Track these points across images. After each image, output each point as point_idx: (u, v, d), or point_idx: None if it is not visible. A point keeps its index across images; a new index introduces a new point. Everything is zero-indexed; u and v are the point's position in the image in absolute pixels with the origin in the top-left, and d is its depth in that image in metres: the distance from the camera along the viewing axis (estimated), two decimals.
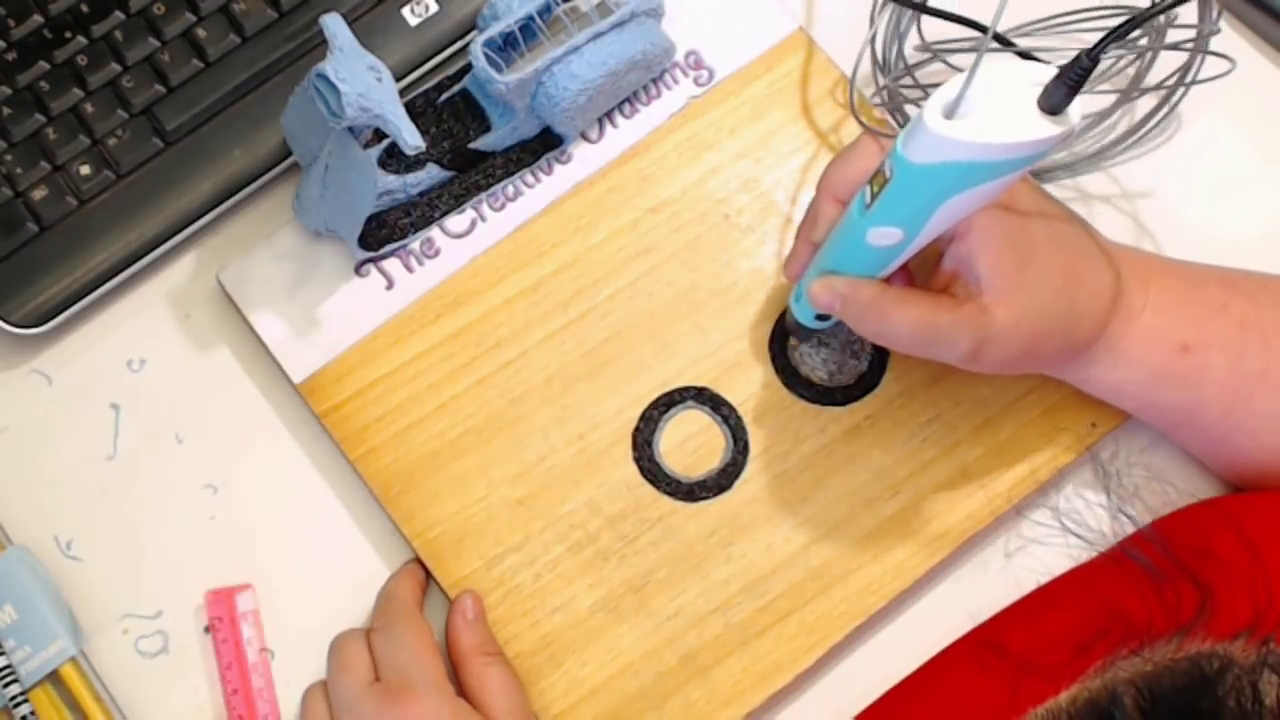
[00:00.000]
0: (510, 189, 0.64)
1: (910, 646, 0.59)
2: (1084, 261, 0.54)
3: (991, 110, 0.45)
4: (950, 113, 0.45)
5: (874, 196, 0.49)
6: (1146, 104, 0.64)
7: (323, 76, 0.54)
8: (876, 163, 0.51)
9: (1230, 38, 0.67)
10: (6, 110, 0.63)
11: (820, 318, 0.58)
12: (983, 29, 0.58)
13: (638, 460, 0.60)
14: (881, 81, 0.63)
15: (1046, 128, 0.44)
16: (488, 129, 0.63)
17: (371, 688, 0.55)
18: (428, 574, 0.60)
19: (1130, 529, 0.57)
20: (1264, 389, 0.55)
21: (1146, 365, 0.56)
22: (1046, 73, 0.44)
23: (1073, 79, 0.43)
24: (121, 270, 0.63)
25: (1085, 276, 0.54)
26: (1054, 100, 0.44)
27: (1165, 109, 0.63)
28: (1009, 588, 0.60)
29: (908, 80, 0.64)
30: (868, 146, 0.55)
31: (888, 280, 0.54)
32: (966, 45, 0.63)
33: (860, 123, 0.62)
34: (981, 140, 0.44)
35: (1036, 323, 0.53)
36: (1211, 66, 0.60)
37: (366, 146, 0.60)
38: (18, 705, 0.57)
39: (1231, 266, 0.58)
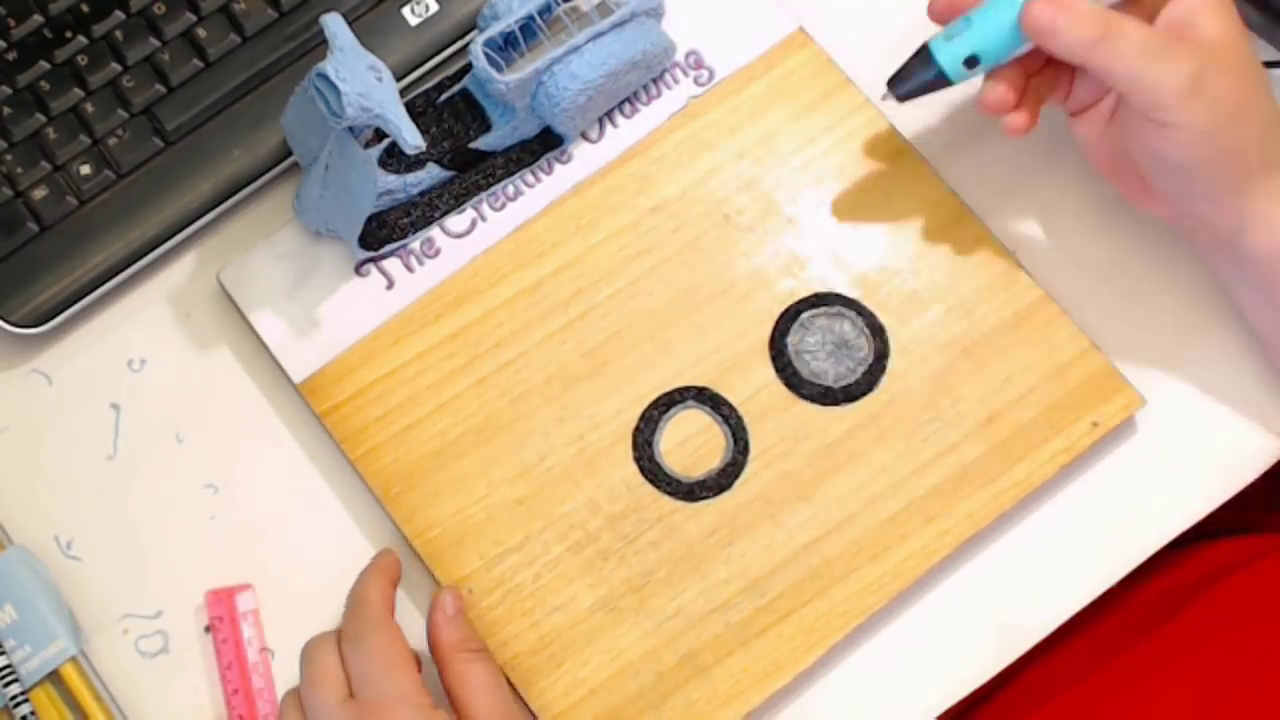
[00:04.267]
0: (510, 189, 0.64)
1: (910, 647, 0.59)
2: None
3: None
4: None
5: None
6: None
7: (323, 76, 0.54)
8: None
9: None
10: (6, 110, 0.63)
11: (969, 64, 0.55)
12: None
13: (638, 460, 0.60)
14: None
15: None
16: (488, 129, 0.63)
17: (345, 705, 0.53)
18: (428, 573, 0.60)
19: None
20: None
21: None
22: None
23: None
24: (121, 270, 0.63)
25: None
26: None
27: None
28: (1010, 588, 0.60)
29: None
30: None
31: None
32: None
33: None
34: None
35: (1254, 82, 0.53)
36: None
37: (366, 146, 0.60)
38: (18, 705, 0.57)
39: None
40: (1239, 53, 0.53)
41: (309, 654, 0.56)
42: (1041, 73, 0.57)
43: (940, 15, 0.56)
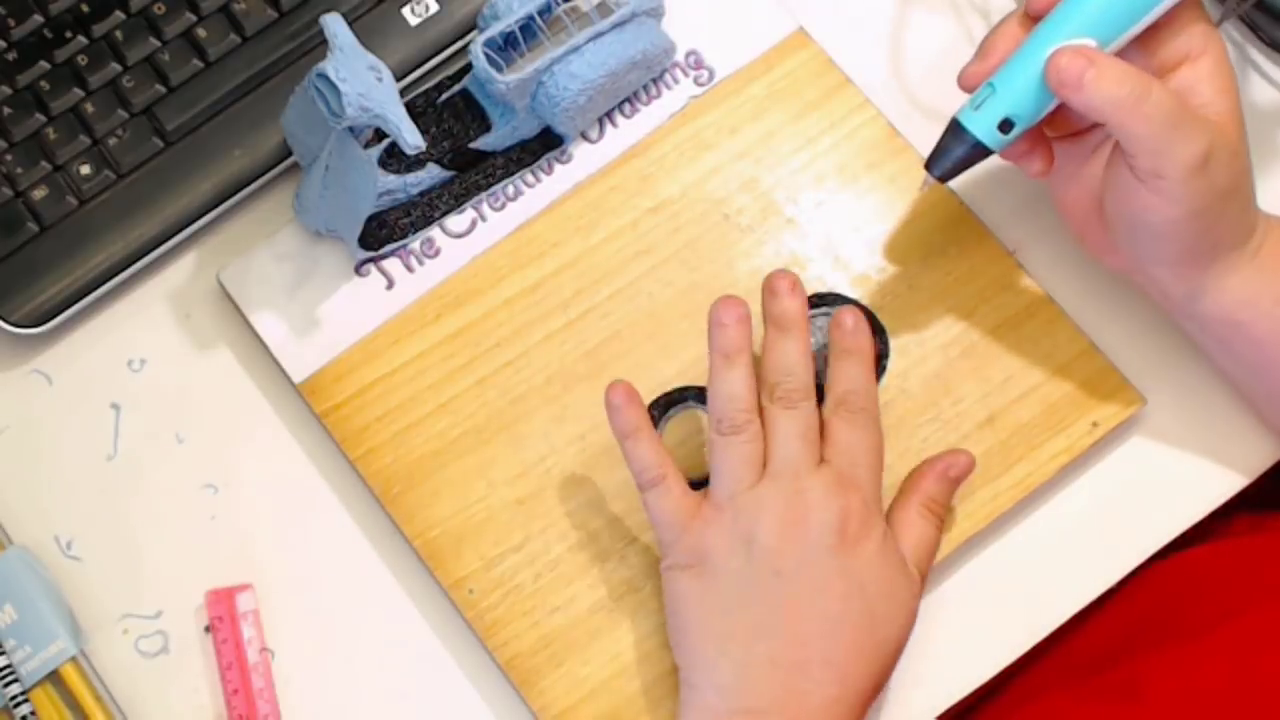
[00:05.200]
0: (510, 189, 0.64)
1: (910, 647, 0.59)
2: None
3: None
4: None
5: None
6: None
7: (323, 76, 0.54)
8: None
9: (1230, 37, 0.67)
10: (6, 110, 0.63)
11: (1003, 128, 0.53)
12: None
13: None
14: None
15: None
16: (488, 129, 0.63)
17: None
18: (428, 573, 0.60)
19: None
20: None
21: None
22: None
23: None
24: (121, 270, 0.63)
25: None
26: None
27: None
28: (1009, 588, 0.60)
29: None
30: None
31: None
32: None
33: None
34: None
35: (1243, 167, 0.53)
36: None
37: (366, 146, 0.60)
38: (18, 705, 0.57)
39: None
40: (1238, 132, 0.53)
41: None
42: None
43: (972, 85, 0.55)
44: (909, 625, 0.56)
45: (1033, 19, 0.54)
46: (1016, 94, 0.53)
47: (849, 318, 0.57)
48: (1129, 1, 0.52)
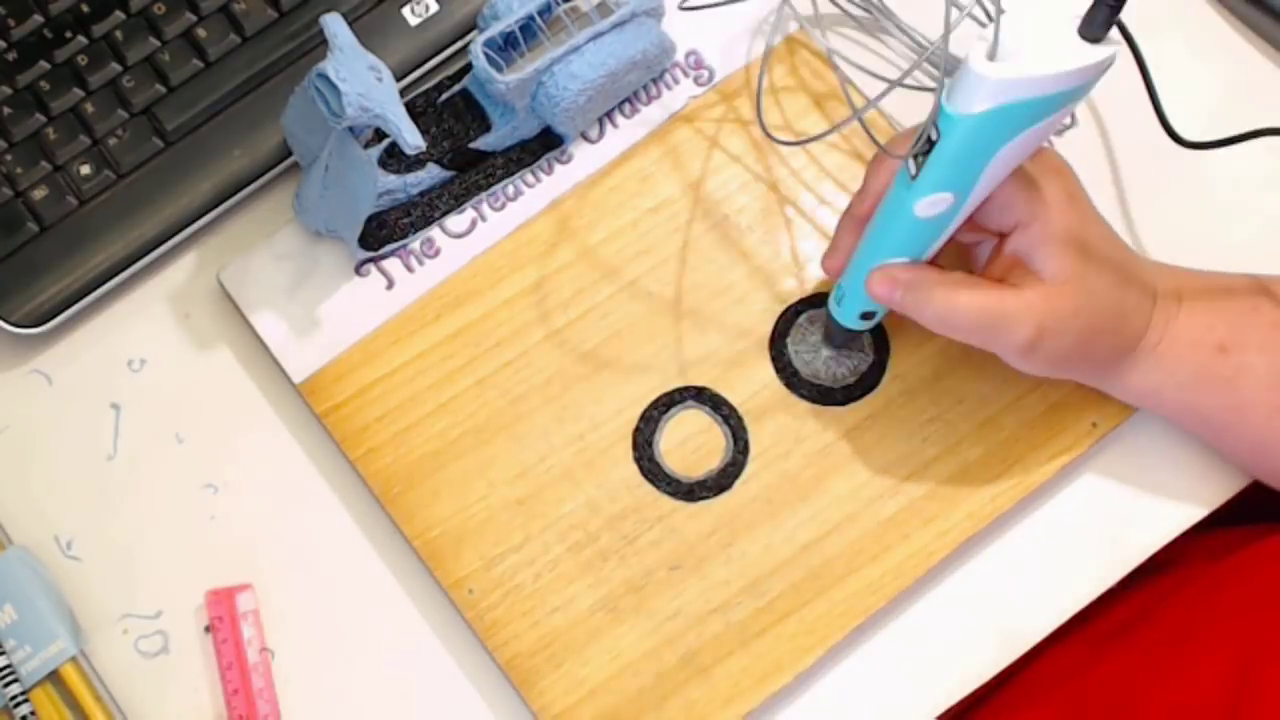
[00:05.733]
0: (510, 189, 0.64)
1: (910, 647, 0.59)
2: (1130, 264, 0.55)
3: (1034, 47, 0.45)
4: (993, 56, 0.45)
5: (919, 165, 0.49)
6: None
7: (323, 76, 0.54)
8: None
9: (1230, 37, 0.67)
10: (6, 110, 0.63)
11: (864, 317, 0.57)
12: None
13: (638, 460, 0.60)
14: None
15: (1092, 53, 0.45)
16: (488, 129, 0.63)
17: None
18: (428, 573, 0.60)
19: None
20: None
21: (1185, 367, 0.56)
22: (1082, 3, 0.45)
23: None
24: (121, 270, 0.63)
25: (1131, 278, 0.55)
26: (1096, 25, 0.44)
27: None
28: (1009, 588, 0.60)
29: None
30: None
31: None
32: None
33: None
34: (1031, 75, 0.44)
35: (1093, 316, 0.53)
36: None
37: (367, 146, 0.60)
38: (18, 705, 0.57)
39: (1255, 272, 0.58)
40: (1080, 286, 0.53)
41: None
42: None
43: (829, 273, 0.58)
44: None
45: (860, 219, 0.56)
46: (863, 295, 0.56)
47: None
48: (924, 232, 0.53)
